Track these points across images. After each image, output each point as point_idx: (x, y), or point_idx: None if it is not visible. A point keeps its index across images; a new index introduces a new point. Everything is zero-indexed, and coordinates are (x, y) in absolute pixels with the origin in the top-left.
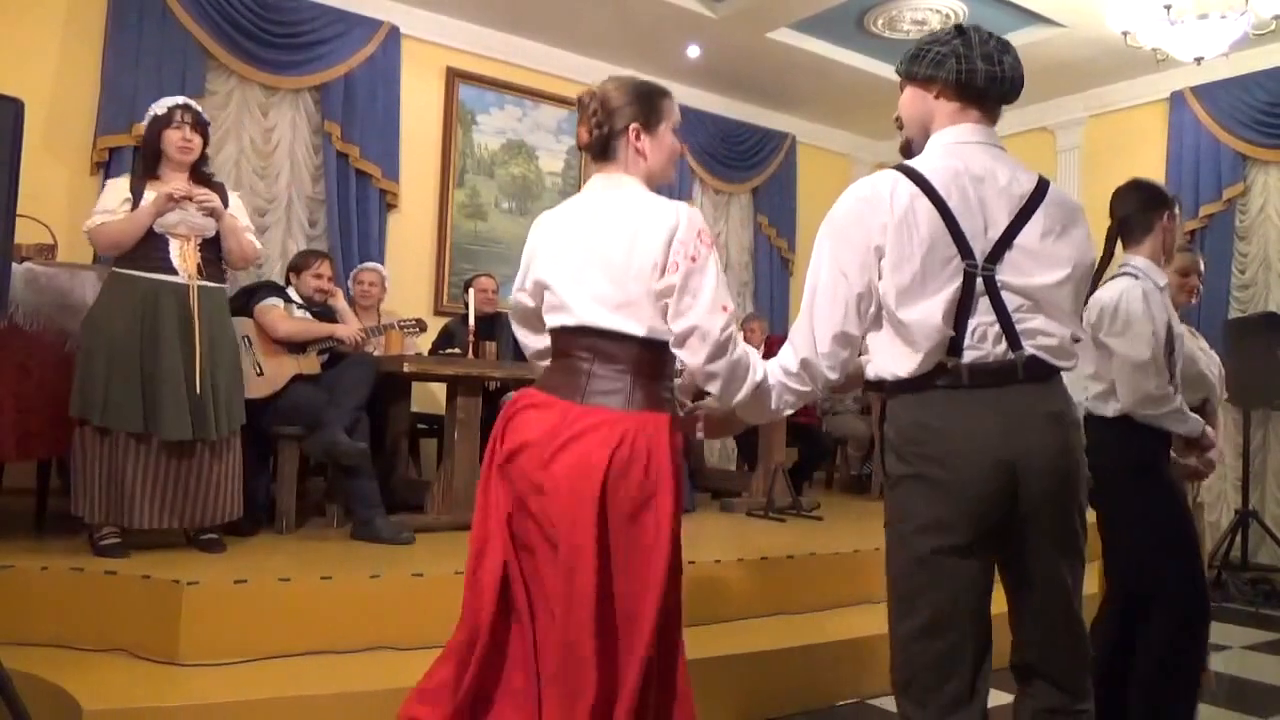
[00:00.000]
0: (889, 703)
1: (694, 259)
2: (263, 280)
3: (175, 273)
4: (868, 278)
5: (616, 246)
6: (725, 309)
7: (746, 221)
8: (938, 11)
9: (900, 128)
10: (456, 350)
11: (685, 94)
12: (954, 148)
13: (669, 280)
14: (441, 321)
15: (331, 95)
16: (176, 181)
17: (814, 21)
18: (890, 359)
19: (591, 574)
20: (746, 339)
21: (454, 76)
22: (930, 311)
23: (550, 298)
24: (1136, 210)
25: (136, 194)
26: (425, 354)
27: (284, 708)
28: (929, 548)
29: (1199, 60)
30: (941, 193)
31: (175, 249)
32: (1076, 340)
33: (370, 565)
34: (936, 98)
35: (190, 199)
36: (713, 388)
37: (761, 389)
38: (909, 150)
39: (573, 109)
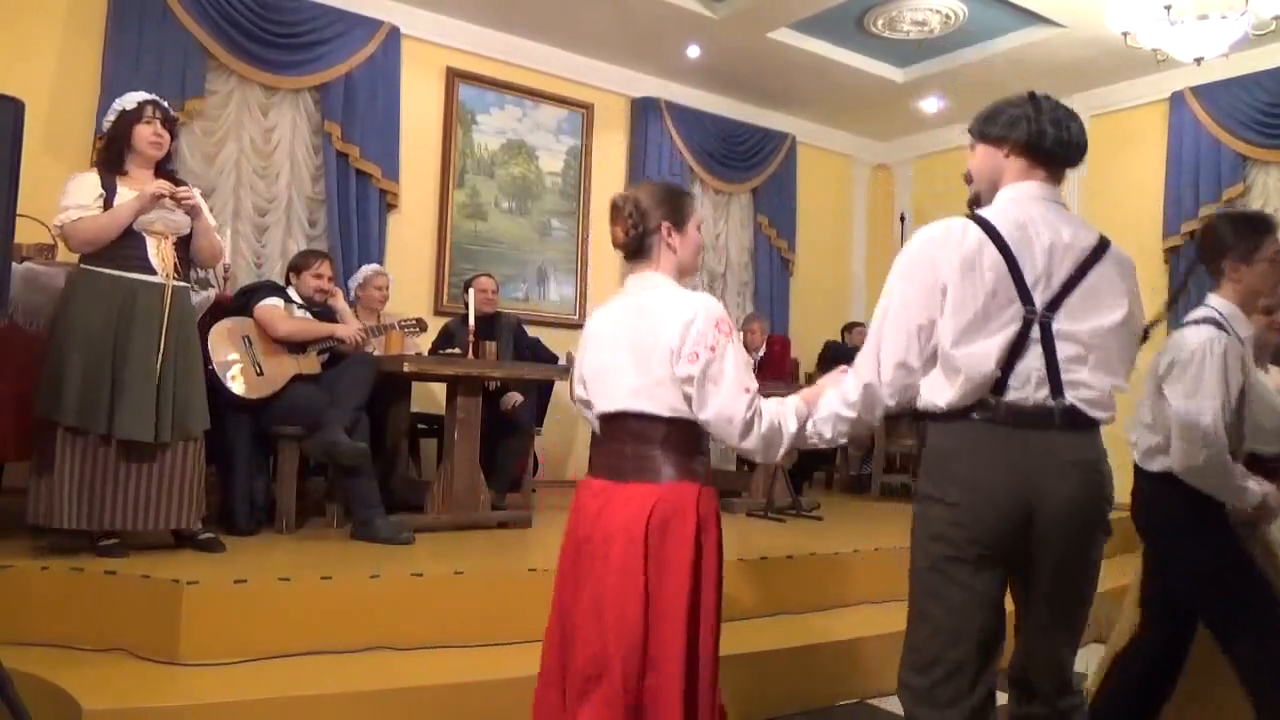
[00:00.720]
0: (889, 703)
1: (712, 349)
2: (263, 280)
3: (154, 271)
4: (931, 314)
5: (643, 337)
6: (747, 390)
7: (746, 221)
8: (937, 12)
9: (969, 182)
10: (456, 350)
11: (685, 94)
12: (1022, 202)
13: (688, 370)
14: (441, 321)
15: (331, 95)
16: (143, 177)
17: (814, 21)
18: (936, 390)
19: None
20: (746, 340)
21: (454, 76)
22: (985, 351)
23: (592, 387)
24: (1232, 242)
25: (110, 190)
26: (425, 354)
27: (284, 708)
28: (940, 555)
29: (1199, 60)
30: (1008, 241)
31: (153, 247)
32: (1120, 391)
33: (370, 565)
34: (1007, 156)
35: (174, 197)
36: (755, 458)
37: (800, 435)
38: (977, 203)
39: (572, 109)
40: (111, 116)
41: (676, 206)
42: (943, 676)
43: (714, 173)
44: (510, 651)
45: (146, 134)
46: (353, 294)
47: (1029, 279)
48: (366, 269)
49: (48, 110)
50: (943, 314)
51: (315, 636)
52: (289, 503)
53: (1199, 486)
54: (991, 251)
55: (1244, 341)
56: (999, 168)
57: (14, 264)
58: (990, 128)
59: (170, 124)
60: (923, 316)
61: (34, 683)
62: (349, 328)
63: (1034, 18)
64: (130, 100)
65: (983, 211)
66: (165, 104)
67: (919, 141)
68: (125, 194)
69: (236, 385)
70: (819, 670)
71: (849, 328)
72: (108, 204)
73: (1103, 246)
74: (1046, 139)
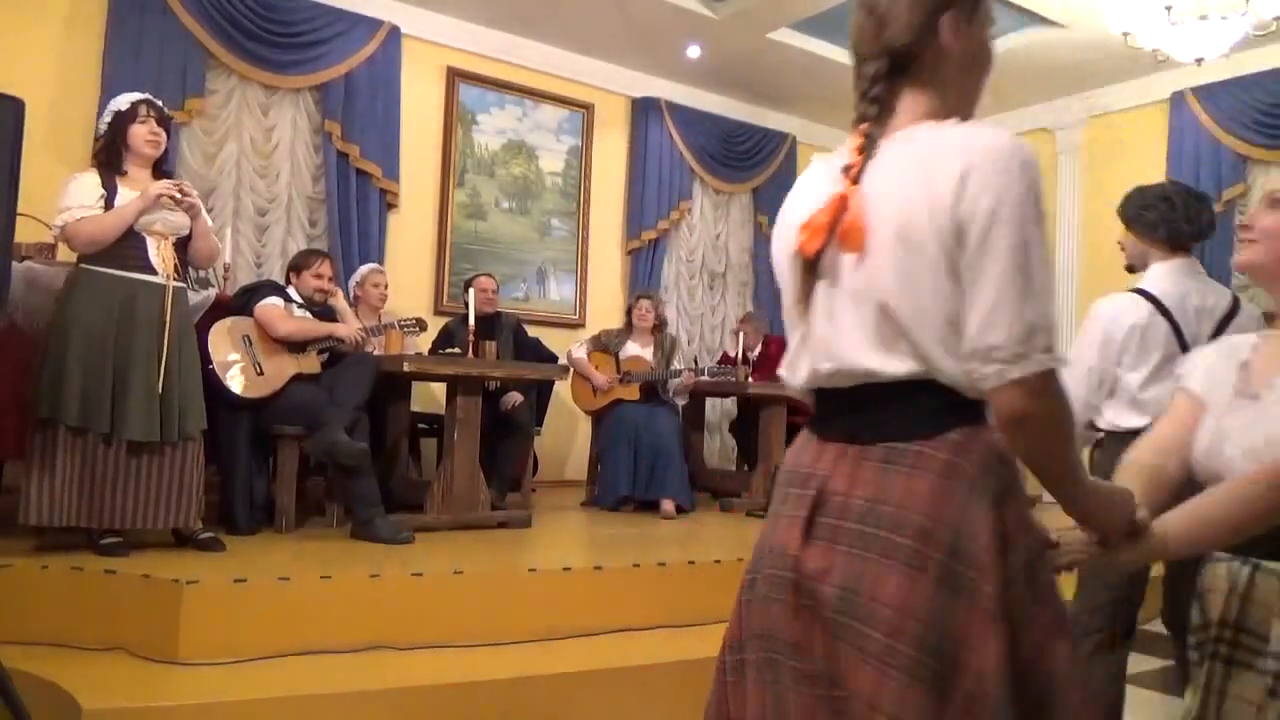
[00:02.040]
0: None
1: None
2: (263, 280)
3: (154, 272)
4: (1112, 365)
5: None
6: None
7: (746, 221)
8: None
9: (1123, 250)
10: (456, 350)
11: (685, 94)
12: (1175, 278)
13: None
14: (441, 321)
15: (332, 95)
16: (142, 177)
17: (814, 21)
18: (1121, 417)
19: None
20: (746, 340)
21: (454, 76)
22: (1160, 392)
23: None
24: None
25: (110, 190)
26: (425, 354)
27: (284, 707)
28: None
29: (1199, 61)
30: (1172, 311)
31: (153, 248)
32: None
33: (370, 565)
34: (1151, 245)
35: (182, 192)
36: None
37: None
38: (1132, 268)
39: (573, 109)
40: (107, 118)
41: None
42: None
43: (714, 173)
44: (510, 651)
45: (142, 133)
46: (351, 293)
47: (1188, 337)
48: (364, 268)
49: (48, 110)
50: (1121, 365)
51: (315, 636)
52: (289, 503)
53: None
54: (1159, 321)
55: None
56: (1147, 250)
57: (14, 264)
58: (1137, 226)
59: (165, 122)
60: (1105, 366)
61: (34, 682)
62: (349, 327)
63: (1034, 18)
64: (124, 101)
65: (1148, 287)
66: (159, 103)
67: None
68: (126, 194)
69: (236, 385)
70: None
71: None
72: (108, 204)
73: (1235, 307)
74: (1183, 236)
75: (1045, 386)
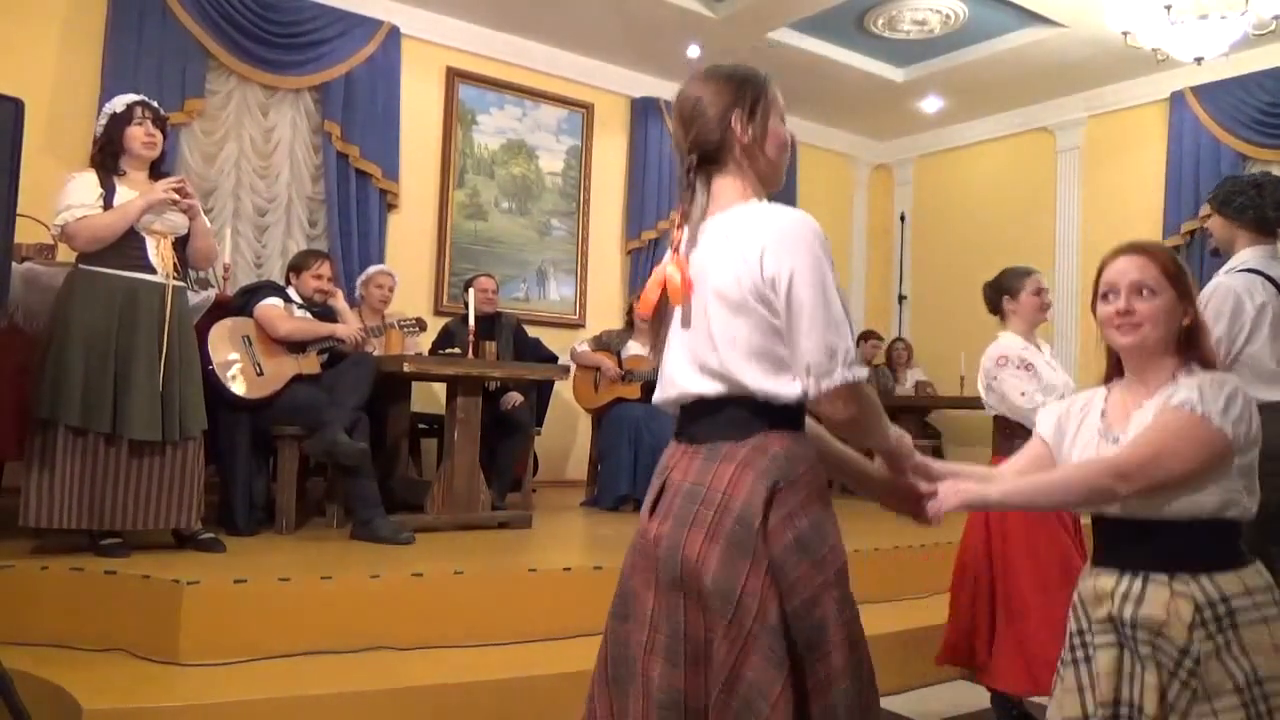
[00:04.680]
0: (888, 702)
1: None
2: (263, 280)
3: (154, 271)
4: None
5: None
6: None
7: None
8: (937, 12)
9: (1209, 235)
10: (456, 350)
11: None
12: (1267, 261)
13: None
14: (441, 321)
15: (331, 95)
16: (139, 178)
17: (814, 21)
18: (1262, 391)
19: None
20: None
21: (454, 76)
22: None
23: None
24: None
25: (109, 190)
26: (425, 354)
27: (284, 708)
28: None
29: (1199, 60)
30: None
31: (152, 247)
32: None
33: (370, 565)
34: (1239, 229)
35: (182, 194)
36: None
37: None
38: (1217, 252)
39: (573, 109)
40: (103, 120)
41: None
42: None
43: None
44: (510, 651)
45: (139, 135)
46: (357, 293)
47: None
48: (372, 268)
49: (48, 110)
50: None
51: (315, 636)
52: (289, 503)
53: None
54: (1274, 291)
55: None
56: (1234, 235)
57: (14, 264)
58: (1226, 209)
59: (162, 124)
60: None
61: (34, 683)
62: (349, 327)
63: (1034, 18)
64: (119, 103)
65: (1259, 266)
66: (155, 104)
67: (919, 141)
68: (124, 194)
69: (236, 385)
70: None
71: None
72: (107, 204)
73: None
74: (1270, 221)
75: (850, 393)
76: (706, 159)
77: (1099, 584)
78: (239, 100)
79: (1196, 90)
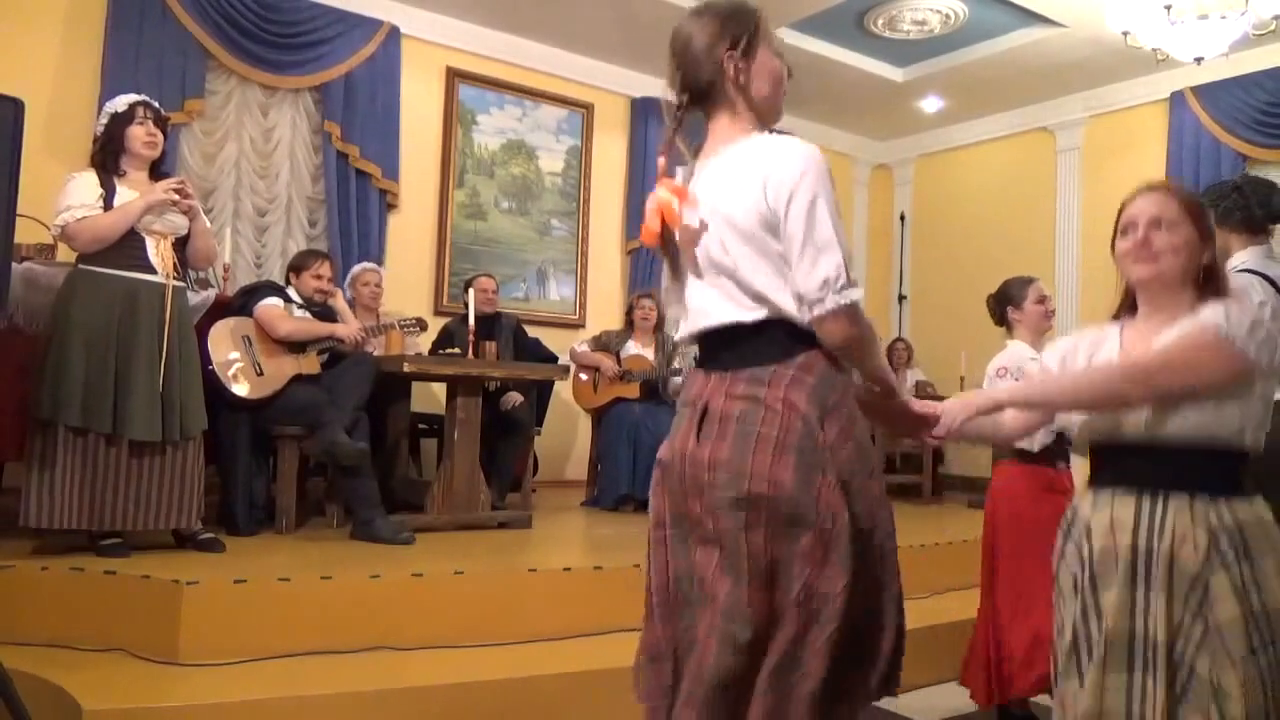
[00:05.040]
0: (888, 702)
1: None
2: (263, 280)
3: (154, 271)
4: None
5: None
6: None
7: None
8: (937, 11)
9: None
10: (456, 350)
11: None
12: (1264, 262)
13: None
14: (441, 321)
15: (331, 95)
16: (139, 178)
17: (814, 21)
18: None
19: None
20: None
21: (454, 76)
22: None
23: None
24: None
25: (109, 190)
26: (425, 354)
27: (284, 708)
28: None
29: (1199, 60)
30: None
31: (152, 247)
32: None
33: (370, 565)
34: (1230, 233)
35: (182, 195)
36: None
37: None
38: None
39: (572, 109)
40: (103, 120)
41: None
42: None
43: None
44: (510, 651)
45: (140, 135)
46: (347, 294)
47: None
48: (355, 268)
49: (48, 110)
50: None
51: (315, 636)
52: (289, 503)
53: None
54: (1276, 299)
55: None
56: (1227, 241)
57: (14, 264)
58: (1215, 216)
59: (162, 124)
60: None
61: (34, 683)
62: (349, 327)
63: (1034, 18)
64: (120, 103)
65: (1260, 269)
66: (156, 104)
67: (919, 141)
68: (125, 194)
69: (236, 385)
70: None
71: None
72: (107, 204)
73: None
74: (1258, 220)
75: (843, 315)
76: (700, 96)
77: (1116, 510)
78: (239, 100)
79: (1196, 90)
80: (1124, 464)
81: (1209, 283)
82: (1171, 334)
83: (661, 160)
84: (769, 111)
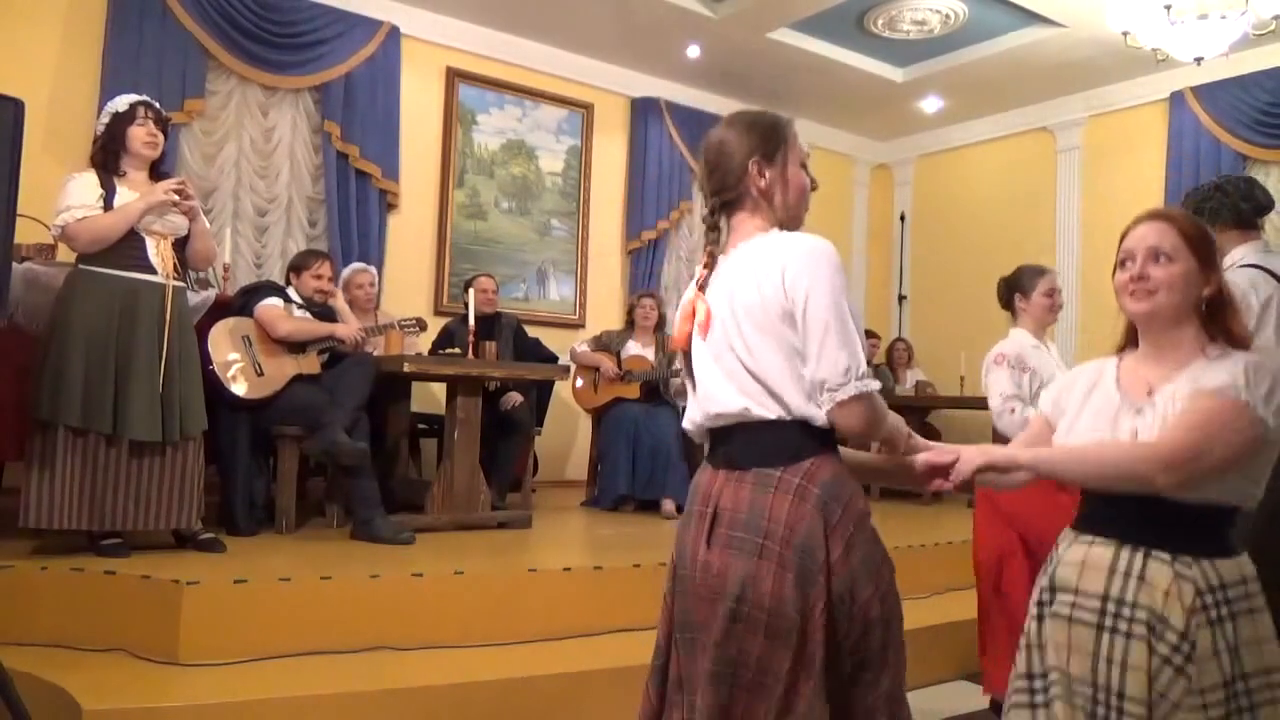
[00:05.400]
0: None
1: None
2: (263, 280)
3: (154, 272)
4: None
5: None
6: None
7: None
8: (937, 11)
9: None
10: (456, 350)
11: (685, 94)
12: (1263, 256)
13: None
14: (441, 321)
15: (331, 95)
16: (139, 179)
17: (814, 21)
18: None
19: None
20: None
21: (454, 76)
22: None
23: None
24: None
25: (109, 191)
26: (425, 354)
27: (284, 708)
28: None
29: (1199, 60)
30: None
31: (152, 248)
32: None
33: (370, 565)
34: (1221, 232)
35: (182, 195)
36: None
37: None
38: None
39: (572, 109)
40: (104, 119)
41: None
42: None
43: None
44: (510, 651)
45: (140, 135)
46: (344, 297)
47: None
48: (347, 270)
49: (48, 110)
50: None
51: (315, 636)
52: (289, 503)
53: None
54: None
55: None
56: (1221, 241)
57: (14, 264)
58: (1203, 218)
59: (163, 124)
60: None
61: (34, 683)
62: (349, 328)
63: (1034, 18)
64: (121, 102)
65: (1262, 262)
66: (157, 104)
67: (919, 141)
68: (125, 194)
69: (236, 385)
70: None
71: None
72: (107, 205)
73: None
74: (1246, 214)
75: (862, 403)
76: (728, 202)
77: (1092, 554)
78: (239, 100)
79: (1196, 90)
80: (1104, 510)
81: (1213, 316)
82: (1179, 390)
83: (703, 271)
84: (790, 220)
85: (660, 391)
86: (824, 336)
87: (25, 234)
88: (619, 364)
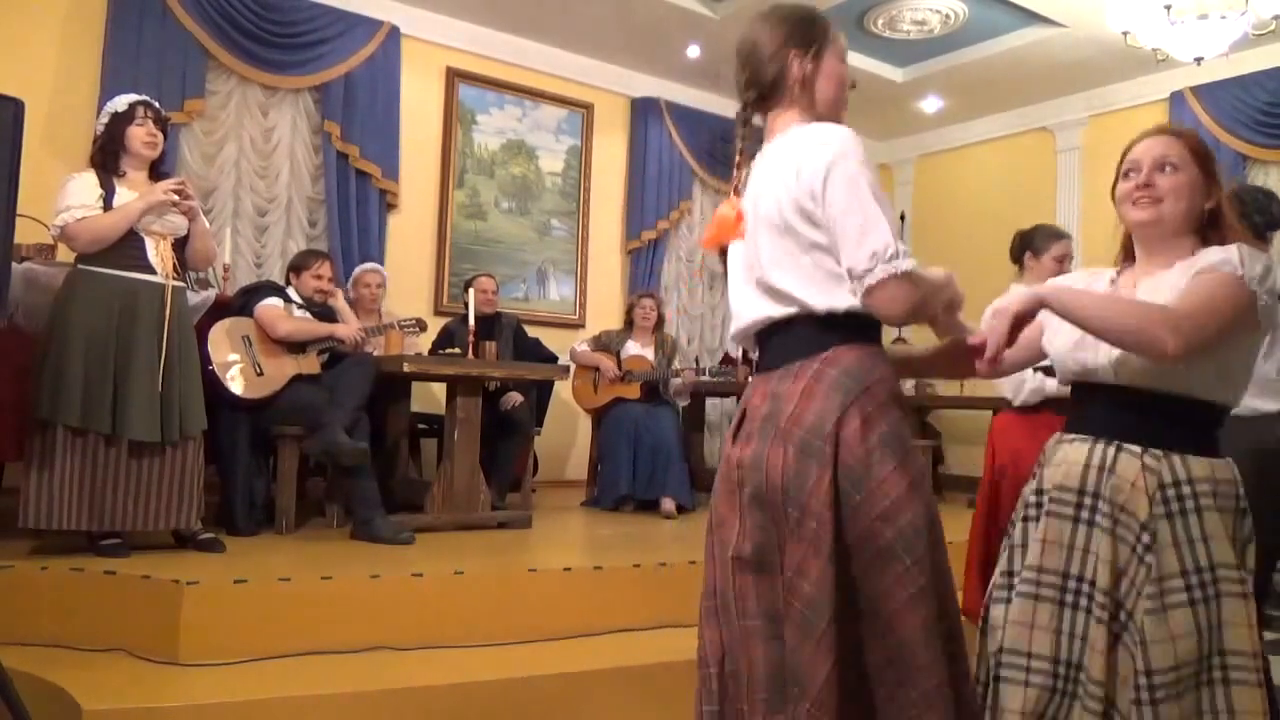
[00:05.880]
0: None
1: None
2: (263, 280)
3: (154, 271)
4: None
5: None
6: None
7: None
8: (937, 12)
9: None
10: (456, 350)
11: (685, 94)
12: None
13: None
14: (441, 321)
15: (331, 95)
16: (139, 179)
17: None
18: (1257, 400)
19: None
20: None
21: (454, 76)
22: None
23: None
24: None
25: (109, 191)
26: (425, 354)
27: (284, 708)
28: None
29: (1199, 60)
30: None
31: (152, 248)
32: None
33: (370, 565)
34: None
35: (182, 196)
36: None
37: None
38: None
39: (572, 109)
40: (104, 119)
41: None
42: None
43: (714, 172)
44: (510, 651)
45: (140, 135)
46: (349, 294)
47: None
48: (358, 269)
49: (48, 110)
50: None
51: (315, 636)
52: (289, 503)
53: None
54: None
55: None
56: None
57: (14, 264)
58: None
59: (163, 124)
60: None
61: (34, 683)
62: (348, 328)
63: (1034, 18)
64: (121, 102)
65: None
66: (157, 104)
67: (919, 141)
68: (124, 195)
69: (236, 385)
70: None
71: None
72: (107, 205)
73: None
74: (1258, 227)
75: (896, 285)
76: (762, 97)
77: (1069, 451)
78: (239, 100)
79: (1196, 90)
80: (1088, 408)
81: (1213, 229)
82: (1163, 282)
83: (737, 174)
84: (829, 114)
85: (660, 391)
86: (844, 223)
87: (25, 234)
88: (619, 364)
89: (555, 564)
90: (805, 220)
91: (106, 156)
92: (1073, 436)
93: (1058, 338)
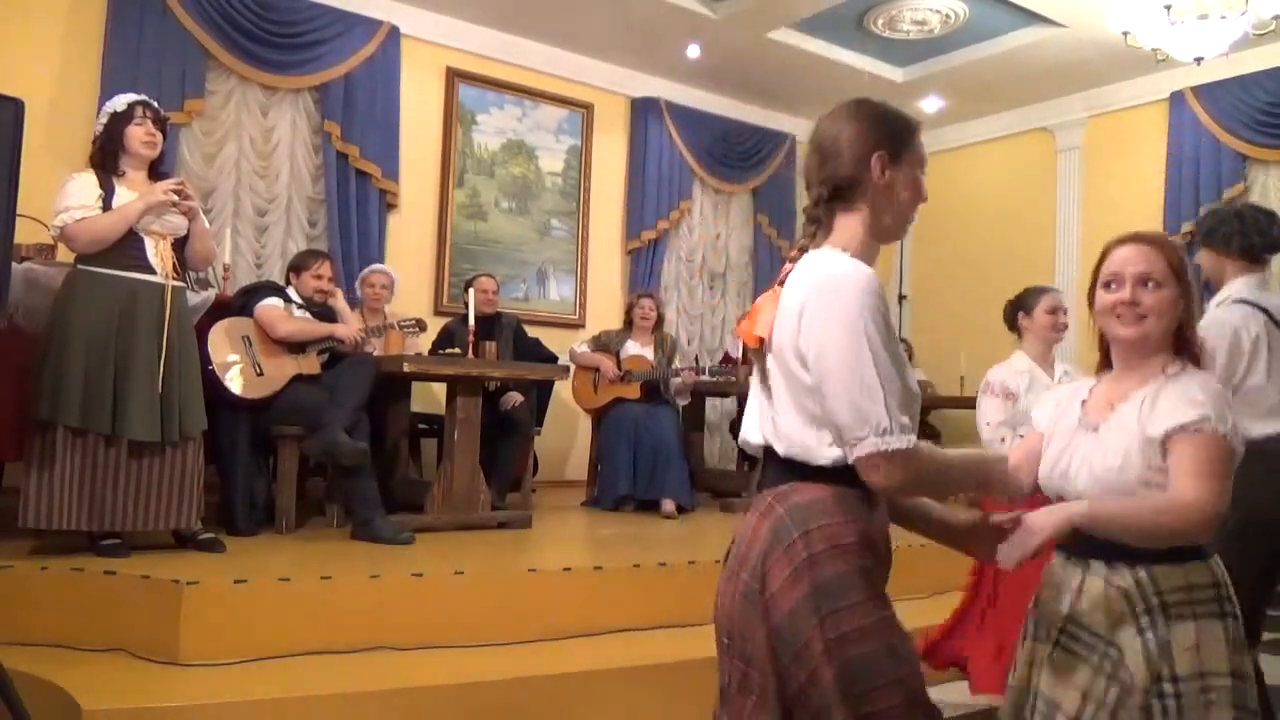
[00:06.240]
0: None
1: None
2: (263, 280)
3: (153, 272)
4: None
5: None
6: None
7: (746, 221)
8: (937, 12)
9: (1198, 268)
10: (456, 350)
11: (685, 94)
12: (1261, 291)
13: None
14: (441, 321)
15: (331, 95)
16: (138, 179)
17: (814, 21)
18: (1258, 426)
19: None
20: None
21: (454, 76)
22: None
23: None
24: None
25: (108, 191)
26: (425, 354)
27: (284, 708)
28: None
29: (1199, 60)
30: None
31: (151, 248)
32: None
33: (370, 565)
34: (1226, 259)
35: (182, 196)
36: None
37: None
38: (1207, 284)
39: (572, 109)
40: (103, 119)
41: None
42: None
43: (714, 173)
44: (510, 651)
45: (139, 135)
46: (356, 293)
47: None
48: (366, 269)
49: (48, 110)
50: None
51: (315, 636)
52: (289, 503)
53: None
54: (1274, 330)
55: None
56: (1223, 265)
57: (14, 264)
58: (1213, 241)
59: (161, 124)
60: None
61: (34, 683)
62: (348, 328)
63: (1034, 18)
64: (120, 102)
65: (1253, 299)
66: (156, 104)
67: None
68: (124, 195)
69: (236, 385)
70: None
71: None
72: (106, 205)
73: None
74: (1256, 249)
75: (885, 462)
76: (838, 195)
77: (1053, 573)
78: (239, 100)
79: (1196, 90)
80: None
81: (1181, 339)
82: (1133, 408)
83: (786, 266)
84: (895, 228)
85: (660, 391)
86: (834, 383)
87: (25, 234)
88: (618, 364)
89: (555, 564)
90: (802, 365)
91: (106, 156)
92: (1055, 558)
93: (1044, 460)
